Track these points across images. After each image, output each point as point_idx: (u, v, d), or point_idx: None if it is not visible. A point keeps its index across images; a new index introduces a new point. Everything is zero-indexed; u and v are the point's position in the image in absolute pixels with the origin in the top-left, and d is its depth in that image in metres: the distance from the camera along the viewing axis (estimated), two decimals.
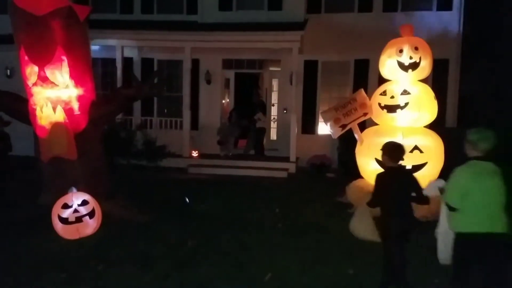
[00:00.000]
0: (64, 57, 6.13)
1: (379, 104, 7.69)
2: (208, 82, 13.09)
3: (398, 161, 4.11)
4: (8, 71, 12.90)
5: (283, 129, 12.75)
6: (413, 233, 4.12)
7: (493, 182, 3.50)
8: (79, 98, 6.38)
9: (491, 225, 3.47)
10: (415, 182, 4.02)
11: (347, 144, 9.45)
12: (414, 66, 7.47)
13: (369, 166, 7.54)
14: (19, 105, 6.50)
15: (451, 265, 3.78)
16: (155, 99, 12.85)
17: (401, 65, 7.52)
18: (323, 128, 11.19)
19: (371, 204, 4.20)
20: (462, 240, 3.59)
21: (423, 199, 4.02)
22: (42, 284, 4.50)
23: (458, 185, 3.56)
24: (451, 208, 3.59)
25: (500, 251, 3.56)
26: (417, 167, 7.05)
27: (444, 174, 6.34)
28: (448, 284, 3.88)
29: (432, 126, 7.82)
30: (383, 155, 4.16)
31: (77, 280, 4.58)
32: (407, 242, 4.02)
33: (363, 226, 4.22)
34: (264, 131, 12.62)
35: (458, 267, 3.68)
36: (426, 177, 6.43)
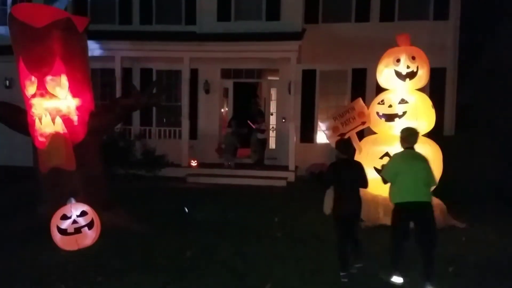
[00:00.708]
0: (63, 69, 6.15)
1: (377, 113, 7.71)
2: (207, 91, 13.14)
3: (347, 154, 5.13)
4: (7, 81, 12.98)
5: (281, 138, 12.78)
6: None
7: (418, 165, 4.76)
8: (78, 109, 6.40)
9: (417, 195, 4.64)
10: (361, 169, 5.09)
11: None
12: (411, 75, 7.50)
13: (367, 175, 7.49)
14: (18, 116, 6.51)
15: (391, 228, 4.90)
16: (154, 109, 12.88)
17: (398, 74, 7.55)
18: (322, 137, 11.23)
19: (324, 185, 5.15)
20: (397, 208, 4.76)
21: (365, 183, 5.07)
22: None
23: (392, 166, 4.93)
24: (384, 181, 4.94)
25: (427, 215, 4.65)
26: None
27: (442, 181, 6.35)
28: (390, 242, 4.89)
29: (430, 135, 7.83)
30: (336, 149, 5.22)
31: None
32: (356, 223, 5.12)
33: (327, 203, 5.06)
34: (265, 142, 12.64)
35: (396, 228, 4.79)
36: None
